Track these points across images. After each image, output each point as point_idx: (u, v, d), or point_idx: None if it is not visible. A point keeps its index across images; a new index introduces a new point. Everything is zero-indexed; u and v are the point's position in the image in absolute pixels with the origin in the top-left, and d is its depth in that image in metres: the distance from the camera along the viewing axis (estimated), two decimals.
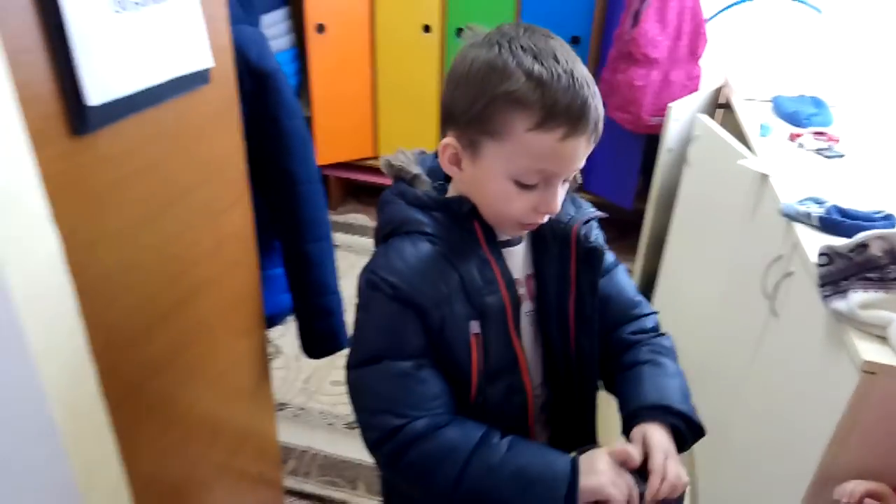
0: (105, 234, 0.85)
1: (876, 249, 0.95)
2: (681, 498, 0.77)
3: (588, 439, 0.92)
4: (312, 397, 2.09)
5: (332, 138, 2.96)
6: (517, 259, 0.84)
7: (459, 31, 2.77)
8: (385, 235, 0.81)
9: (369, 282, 0.78)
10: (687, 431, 0.81)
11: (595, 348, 0.87)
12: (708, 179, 2.02)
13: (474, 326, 0.77)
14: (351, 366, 0.80)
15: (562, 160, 0.72)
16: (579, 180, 0.84)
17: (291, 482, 1.76)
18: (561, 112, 0.69)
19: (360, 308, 0.81)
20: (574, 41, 2.69)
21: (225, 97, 1.06)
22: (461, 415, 0.78)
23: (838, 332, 1.00)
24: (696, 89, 2.48)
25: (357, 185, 3.35)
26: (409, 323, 0.76)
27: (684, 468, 0.76)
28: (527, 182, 0.73)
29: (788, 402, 1.21)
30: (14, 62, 0.66)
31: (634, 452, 0.74)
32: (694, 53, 2.47)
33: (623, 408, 0.85)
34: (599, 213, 0.88)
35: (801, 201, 1.31)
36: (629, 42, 2.39)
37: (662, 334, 0.93)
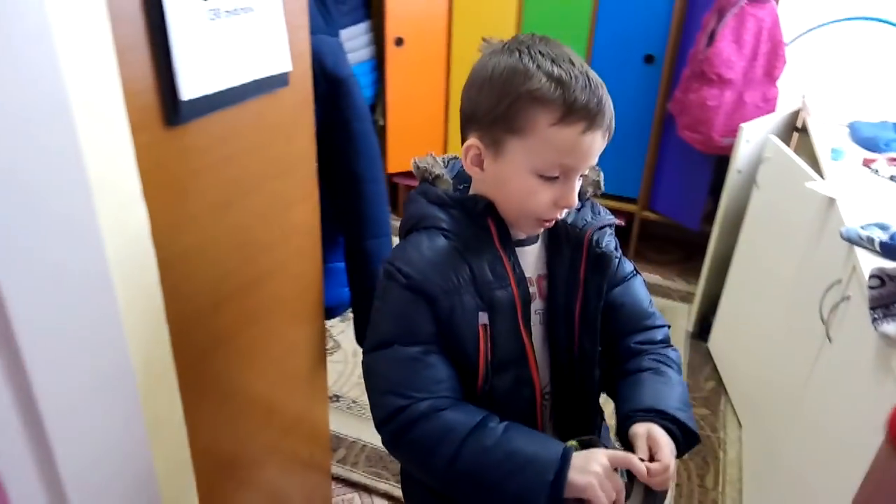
0: (186, 216, 0.95)
1: None
2: (664, 495, 0.79)
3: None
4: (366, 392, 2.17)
5: (405, 148, 3.07)
6: (530, 258, 0.88)
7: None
8: (406, 231, 0.87)
9: (385, 271, 0.84)
10: (682, 438, 0.81)
11: (595, 350, 0.89)
12: (776, 202, 1.99)
13: (482, 318, 0.81)
14: (365, 350, 0.86)
15: (581, 153, 0.77)
16: (602, 187, 0.88)
17: (339, 470, 1.84)
18: (580, 108, 0.74)
19: (377, 297, 0.86)
20: (648, 60, 2.69)
21: (301, 99, 1.15)
22: (468, 402, 0.82)
23: (887, 356, 0.98)
24: (771, 111, 2.44)
25: None
26: (420, 311, 0.81)
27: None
28: (549, 175, 0.78)
29: (837, 425, 1.19)
30: (122, 59, 0.77)
31: (639, 464, 0.75)
32: (770, 75, 2.43)
33: (619, 409, 0.87)
34: (615, 221, 0.92)
35: (865, 226, 1.29)
36: (703, 62, 2.38)
37: (670, 346, 0.94)
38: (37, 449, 0.69)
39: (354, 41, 2.78)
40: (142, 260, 0.86)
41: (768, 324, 1.88)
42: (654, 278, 2.92)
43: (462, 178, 0.92)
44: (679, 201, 2.81)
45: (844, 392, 1.19)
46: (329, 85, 1.28)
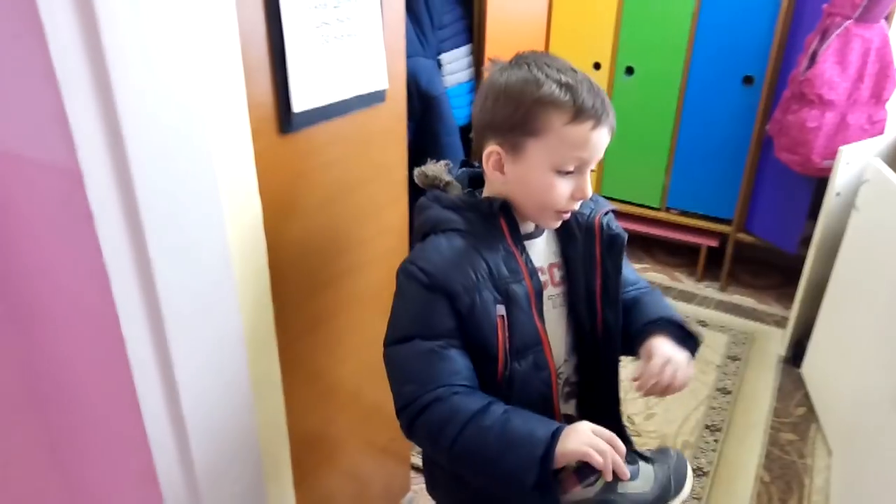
0: (294, 210, 1.11)
1: None
2: (668, 459, 0.85)
3: (612, 413, 1.02)
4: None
5: None
6: (538, 249, 0.97)
7: (629, 69, 2.87)
8: (422, 235, 0.96)
9: (405, 271, 0.91)
10: (687, 339, 0.95)
11: (619, 322, 0.97)
12: (876, 225, 1.93)
13: (500, 310, 0.88)
14: (387, 344, 0.94)
15: (592, 147, 0.88)
16: (589, 194, 0.95)
17: (418, 460, 1.94)
18: (588, 108, 0.85)
19: (397, 295, 0.93)
20: (747, 81, 2.67)
21: (395, 114, 1.30)
22: (488, 390, 0.88)
23: None
24: (878, 133, 2.35)
25: None
26: (439, 307, 0.87)
27: (691, 369, 0.86)
28: (566, 169, 0.87)
29: None
30: (248, 77, 0.93)
31: (620, 445, 0.81)
32: (878, 97, 2.34)
33: (631, 329, 0.99)
34: (613, 207, 1.01)
35: None
36: (803, 83, 2.34)
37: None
38: (168, 393, 0.84)
39: (456, 63, 2.93)
40: (255, 245, 1.02)
41: (864, 349, 1.82)
42: (749, 301, 2.85)
43: (463, 182, 1.01)
44: (776, 224, 2.74)
45: None
46: (422, 102, 1.42)
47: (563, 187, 0.89)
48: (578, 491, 0.79)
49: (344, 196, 1.23)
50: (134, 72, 0.63)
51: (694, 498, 1.84)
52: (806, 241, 2.58)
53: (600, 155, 0.90)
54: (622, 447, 0.80)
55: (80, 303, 0.72)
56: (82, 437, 0.80)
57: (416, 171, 1.02)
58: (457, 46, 2.95)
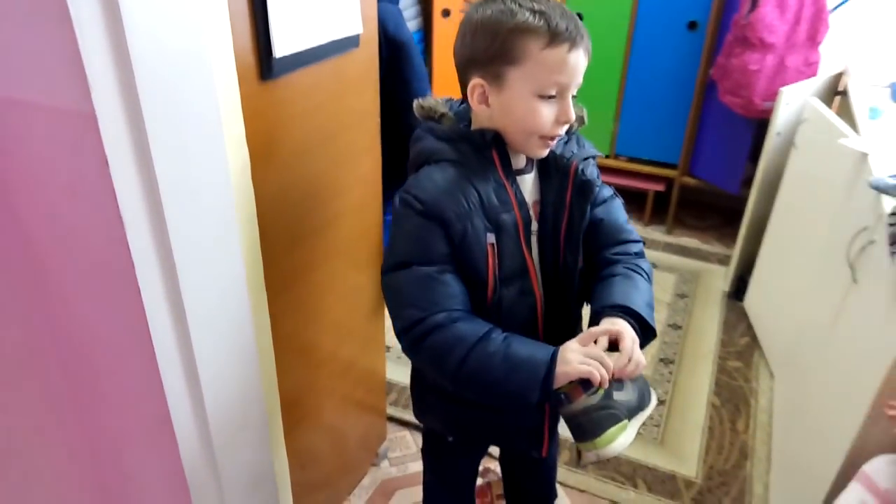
0: (277, 158, 1.10)
1: None
2: (640, 378, 0.93)
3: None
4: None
5: None
6: (528, 185, 1.01)
7: (578, 15, 2.89)
8: (417, 165, 0.99)
9: (402, 200, 0.94)
10: (641, 334, 0.94)
11: (577, 264, 1.01)
12: (813, 162, 2.05)
13: (490, 238, 0.93)
14: (384, 271, 0.97)
15: (570, 70, 0.89)
16: (585, 122, 0.99)
17: (392, 410, 2.00)
18: (563, 32, 0.87)
19: (394, 223, 0.96)
20: (691, 26, 2.74)
21: (369, 59, 1.29)
22: (478, 313, 0.94)
23: None
24: (813, 75, 2.47)
25: None
26: (434, 234, 0.91)
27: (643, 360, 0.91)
28: (548, 93, 0.90)
29: (858, 354, 1.29)
30: (232, 26, 0.91)
31: (598, 331, 0.89)
32: (813, 39, 2.46)
33: (591, 308, 1.00)
34: (598, 153, 1.04)
35: (893, 175, 1.37)
36: (745, 27, 2.42)
37: (643, 258, 1.05)
38: (180, 338, 0.83)
39: (405, 12, 2.90)
40: (246, 194, 1.01)
41: (801, 277, 1.96)
42: (694, 242, 2.99)
43: (460, 117, 1.03)
44: (719, 166, 2.87)
45: (867, 328, 1.29)
46: (391, 48, 1.41)
47: (547, 112, 0.91)
48: (583, 399, 0.87)
49: (322, 145, 1.22)
50: (141, 19, 0.61)
51: (654, 425, 1.97)
52: (747, 182, 2.72)
53: (579, 78, 0.92)
54: (610, 364, 0.87)
55: (95, 249, 0.71)
56: (101, 384, 0.79)
57: (415, 102, 1.04)
58: None
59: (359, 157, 1.35)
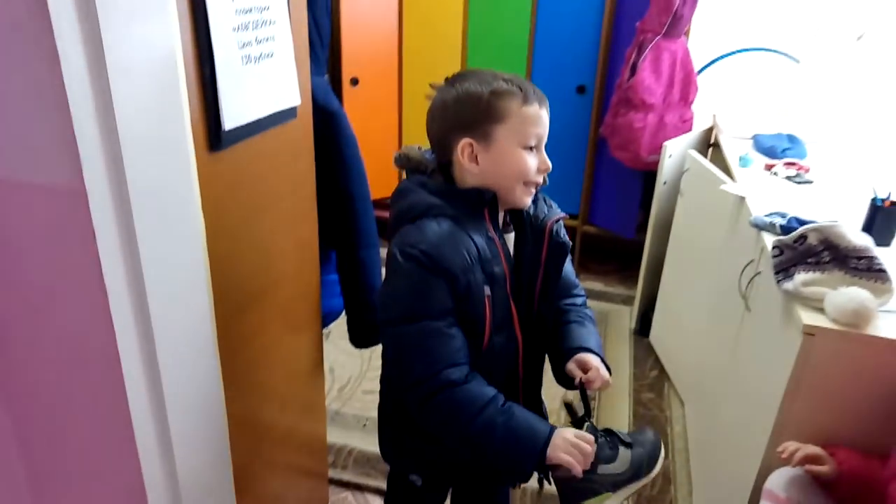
0: (222, 226, 1.13)
1: (813, 240, 1.22)
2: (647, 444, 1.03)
3: (535, 390, 1.19)
4: (346, 403, 2.33)
5: None
6: (510, 242, 1.11)
7: None
8: (410, 218, 1.04)
9: (404, 253, 0.98)
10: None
11: (550, 314, 1.14)
12: (697, 206, 2.31)
13: (487, 290, 1.01)
14: (389, 322, 1.02)
15: (544, 124, 1.03)
16: (547, 182, 1.10)
17: (332, 472, 1.98)
18: (531, 94, 1.02)
19: (394, 275, 1.00)
20: (580, 90, 3.02)
21: (305, 128, 1.36)
22: (475, 359, 1.01)
23: (789, 308, 1.25)
24: (688, 130, 2.79)
25: (380, 221, 3.65)
26: (441, 288, 0.97)
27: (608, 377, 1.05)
28: (530, 144, 1.02)
29: (757, 375, 1.45)
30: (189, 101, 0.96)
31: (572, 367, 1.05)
32: (685, 99, 2.78)
33: (555, 352, 1.13)
34: (564, 214, 1.16)
35: (768, 215, 1.59)
36: (628, 90, 2.71)
37: (587, 308, 1.21)
38: (153, 388, 0.81)
39: None
40: (204, 263, 1.03)
41: (698, 310, 2.17)
42: (597, 286, 3.21)
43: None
44: (615, 214, 3.12)
45: (761, 348, 1.46)
46: (321, 117, 1.49)
47: (531, 160, 1.03)
48: (566, 472, 0.95)
49: (264, 211, 1.26)
50: (129, 101, 0.66)
51: None
52: (641, 228, 2.98)
53: (547, 131, 1.05)
54: (589, 452, 0.95)
55: (77, 321, 0.71)
56: (80, 457, 0.77)
57: (397, 154, 1.12)
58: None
59: (297, 222, 1.39)
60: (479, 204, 1.04)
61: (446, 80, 1.06)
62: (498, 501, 1.39)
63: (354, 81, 3.11)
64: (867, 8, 2.36)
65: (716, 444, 1.77)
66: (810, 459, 1.19)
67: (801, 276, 1.22)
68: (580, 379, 1.06)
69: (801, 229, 1.24)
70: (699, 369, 2.14)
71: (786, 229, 1.49)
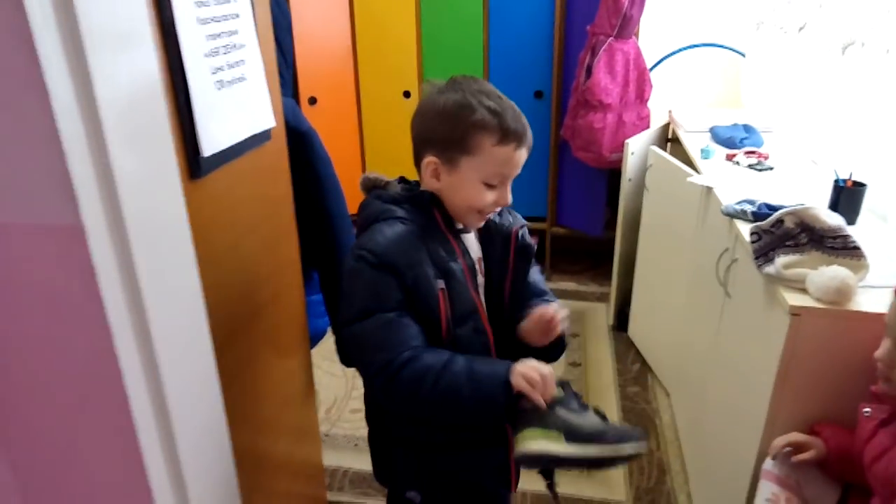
0: (208, 254, 1.10)
1: (789, 223, 1.26)
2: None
3: None
4: (335, 424, 2.30)
5: None
6: (471, 243, 1.13)
7: None
8: (367, 226, 1.07)
9: (356, 256, 1.02)
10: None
11: (522, 314, 1.13)
12: (664, 200, 2.36)
13: (440, 283, 1.03)
14: (346, 322, 1.04)
15: (514, 165, 1.03)
16: (510, 201, 1.10)
17: (330, 495, 1.95)
18: (512, 132, 1.01)
19: (348, 277, 1.04)
20: (538, 95, 3.06)
21: (280, 150, 1.34)
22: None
23: (771, 291, 1.29)
24: (647, 127, 2.85)
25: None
26: (389, 283, 1.00)
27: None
28: (492, 182, 1.03)
29: (744, 359, 1.49)
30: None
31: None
32: (641, 97, 2.85)
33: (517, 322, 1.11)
34: (526, 223, 1.19)
35: (737, 203, 1.63)
36: (585, 91, 2.76)
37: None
38: (162, 421, 0.78)
39: None
40: (198, 287, 1.00)
41: (676, 301, 2.21)
42: (570, 285, 3.24)
43: (407, 189, 1.13)
44: (582, 213, 3.16)
45: (746, 332, 1.50)
46: (293, 138, 1.47)
47: (489, 196, 1.04)
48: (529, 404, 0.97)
49: (246, 235, 1.24)
50: (119, 135, 0.64)
51: None
52: (609, 225, 3.03)
53: (518, 170, 1.05)
54: (548, 383, 0.97)
55: (81, 357, 0.68)
56: (89, 491, 0.74)
57: (361, 177, 1.14)
58: None
59: (279, 244, 1.37)
60: (425, 205, 1.07)
61: (447, 83, 1.06)
62: None
63: (312, 101, 3.09)
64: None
65: (708, 430, 1.80)
66: (795, 447, 1.22)
67: (781, 259, 1.25)
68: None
69: (777, 213, 1.27)
70: (682, 359, 2.17)
71: (757, 215, 1.54)
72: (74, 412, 0.71)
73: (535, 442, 0.96)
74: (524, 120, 1.05)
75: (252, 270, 1.27)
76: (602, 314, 2.97)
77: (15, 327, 0.68)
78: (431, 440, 1.13)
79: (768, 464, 1.27)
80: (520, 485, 1.24)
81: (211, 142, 1.06)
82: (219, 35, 1.08)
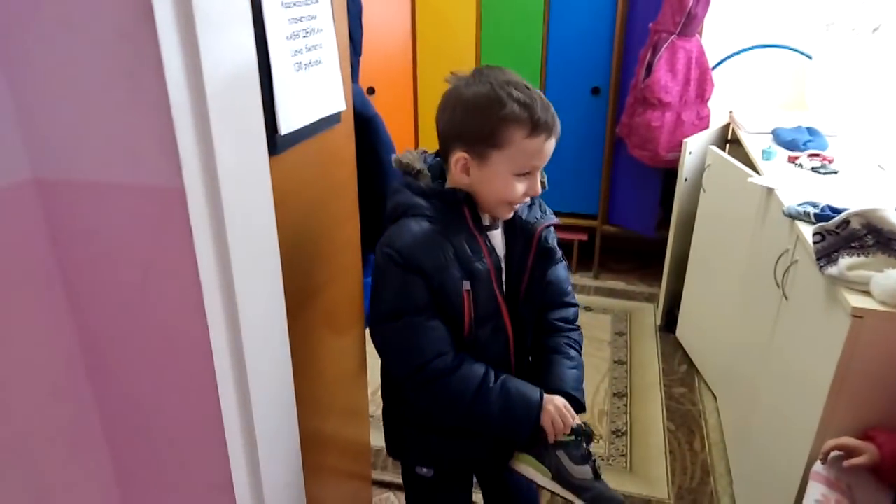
0: (285, 223, 1.15)
1: (856, 224, 1.24)
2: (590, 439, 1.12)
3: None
4: (381, 405, 2.35)
5: None
6: (497, 240, 1.14)
7: None
8: (396, 217, 1.09)
9: (384, 254, 1.04)
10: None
11: (532, 318, 1.19)
12: (721, 200, 2.33)
13: (465, 285, 1.05)
14: (375, 323, 1.08)
15: (544, 156, 1.04)
16: (546, 186, 1.12)
17: (374, 474, 2.00)
18: (542, 124, 1.01)
19: (377, 275, 1.08)
20: (595, 92, 3.05)
21: (348, 134, 1.39)
22: (459, 347, 1.07)
23: (833, 293, 1.27)
24: (706, 127, 2.81)
25: None
26: (417, 285, 1.02)
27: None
28: (522, 173, 1.04)
29: (800, 362, 1.47)
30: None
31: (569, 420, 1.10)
32: (702, 97, 2.81)
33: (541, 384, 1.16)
34: (557, 220, 1.19)
35: (800, 204, 1.61)
36: (644, 89, 2.74)
37: (577, 328, 1.25)
38: (240, 384, 0.83)
39: None
40: (277, 258, 1.05)
41: (728, 303, 2.18)
42: (620, 284, 3.22)
43: (434, 172, 1.14)
44: (634, 213, 3.14)
45: (803, 334, 1.48)
46: (359, 123, 1.52)
47: (520, 187, 1.05)
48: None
49: (313, 214, 1.29)
50: (220, 105, 0.68)
51: (620, 455, 2.08)
52: (660, 226, 3.00)
53: (548, 160, 1.06)
54: (565, 424, 1.08)
55: (174, 318, 0.73)
56: (169, 451, 0.79)
57: (393, 157, 1.15)
58: None
59: (342, 224, 1.42)
60: (455, 203, 1.07)
61: (472, 74, 1.07)
62: (527, 499, 1.42)
63: (371, 91, 3.14)
64: (879, 0, 2.38)
65: (756, 433, 1.78)
66: (847, 451, 1.20)
67: (845, 261, 1.23)
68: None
69: (843, 214, 1.25)
70: (731, 361, 2.15)
71: (820, 217, 1.51)
72: (161, 368, 0.77)
73: (526, 468, 1.14)
74: (552, 109, 1.05)
75: (314, 249, 1.32)
76: (650, 314, 2.94)
77: (114, 280, 0.74)
78: (444, 425, 1.17)
79: (818, 466, 1.26)
80: None
81: (288, 121, 1.11)
82: (300, 19, 1.13)
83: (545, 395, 1.08)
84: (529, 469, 1.14)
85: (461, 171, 1.06)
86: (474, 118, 1.02)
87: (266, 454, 0.90)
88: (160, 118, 0.63)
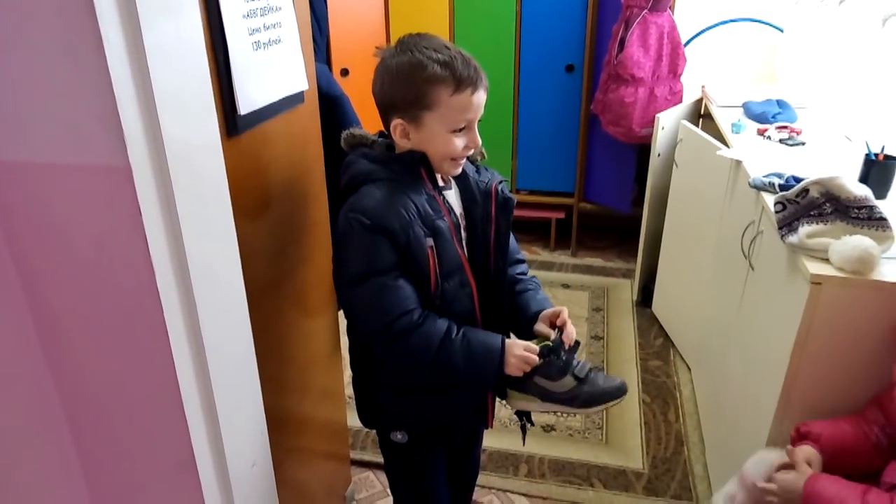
0: (242, 211, 1.14)
1: (815, 192, 1.26)
2: (575, 346, 1.17)
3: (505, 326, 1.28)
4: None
5: None
6: (452, 199, 1.19)
7: None
8: (356, 186, 1.13)
9: (348, 219, 1.08)
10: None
11: (506, 267, 1.24)
12: (693, 175, 2.35)
13: (429, 241, 1.09)
14: (342, 285, 1.12)
15: (475, 108, 1.09)
16: (485, 155, 1.20)
17: (353, 454, 2.02)
18: (465, 79, 1.06)
19: (341, 239, 1.11)
20: (569, 69, 3.05)
21: (312, 113, 1.38)
22: (426, 304, 1.11)
23: (793, 261, 1.30)
24: (678, 102, 2.82)
25: None
26: (383, 245, 1.06)
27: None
28: (458, 128, 1.09)
29: (763, 331, 1.50)
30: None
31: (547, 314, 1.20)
32: (674, 72, 2.82)
33: (523, 316, 1.25)
34: (505, 178, 1.26)
35: (766, 175, 1.63)
36: (617, 65, 2.74)
37: (533, 277, 1.35)
38: (198, 360, 0.84)
39: None
40: (233, 236, 1.05)
41: (701, 276, 2.21)
42: (597, 261, 3.25)
43: (386, 144, 1.19)
44: (610, 189, 3.16)
45: (766, 304, 1.50)
46: (325, 103, 1.51)
47: (459, 141, 1.11)
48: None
49: (279, 195, 1.28)
50: (165, 78, 0.68)
51: (596, 428, 2.12)
52: (636, 202, 3.02)
53: (481, 112, 1.12)
54: (532, 361, 1.11)
55: (124, 297, 0.73)
56: (128, 433, 0.80)
57: (344, 133, 1.19)
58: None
59: (309, 205, 1.42)
60: (413, 165, 1.12)
61: (396, 45, 1.11)
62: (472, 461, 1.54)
63: (345, 72, 3.12)
64: None
65: (725, 403, 1.82)
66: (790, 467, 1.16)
67: (804, 229, 1.25)
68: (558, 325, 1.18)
69: (802, 183, 1.27)
70: (704, 333, 2.18)
71: (784, 188, 1.53)
72: (118, 347, 0.77)
73: (517, 402, 1.20)
74: (475, 62, 1.09)
75: (281, 230, 1.32)
76: (626, 290, 2.97)
77: (63, 263, 0.74)
78: (416, 385, 1.21)
79: (746, 463, 1.26)
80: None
81: (247, 101, 1.10)
82: None
83: (506, 344, 1.12)
84: (521, 402, 1.19)
85: (401, 136, 1.12)
86: (401, 85, 1.08)
87: (229, 432, 0.91)
88: (103, 96, 0.62)
